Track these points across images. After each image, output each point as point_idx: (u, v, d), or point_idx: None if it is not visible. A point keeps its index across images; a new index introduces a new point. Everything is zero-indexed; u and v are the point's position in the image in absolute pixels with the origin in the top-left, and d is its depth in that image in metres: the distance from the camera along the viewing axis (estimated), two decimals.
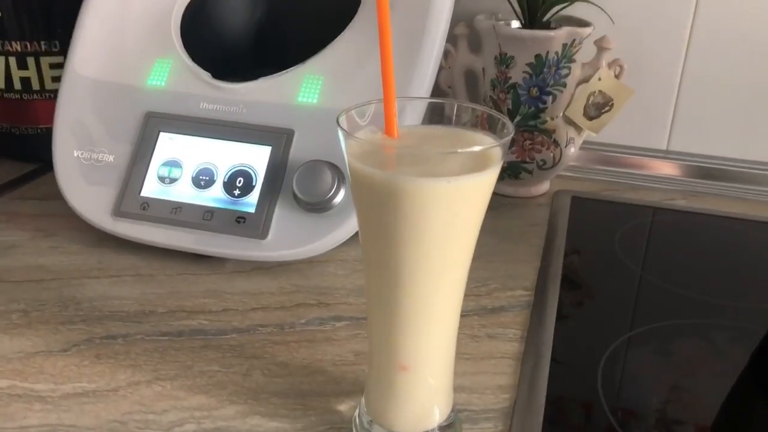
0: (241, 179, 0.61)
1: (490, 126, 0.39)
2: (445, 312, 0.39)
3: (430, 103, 0.42)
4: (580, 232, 0.73)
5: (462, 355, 0.52)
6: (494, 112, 0.39)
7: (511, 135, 0.36)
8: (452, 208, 0.35)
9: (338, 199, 0.59)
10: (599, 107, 0.75)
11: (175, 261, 0.63)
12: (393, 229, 0.36)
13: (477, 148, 0.35)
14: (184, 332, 0.54)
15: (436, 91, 0.74)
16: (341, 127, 0.36)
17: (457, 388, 0.47)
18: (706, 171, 0.84)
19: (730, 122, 0.84)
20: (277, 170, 0.61)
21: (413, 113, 0.46)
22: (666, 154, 0.86)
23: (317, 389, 0.49)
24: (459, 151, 0.37)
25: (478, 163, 0.35)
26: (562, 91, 0.74)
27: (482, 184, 0.36)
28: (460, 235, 0.37)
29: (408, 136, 0.39)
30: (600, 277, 0.66)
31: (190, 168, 0.63)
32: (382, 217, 0.36)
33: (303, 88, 0.63)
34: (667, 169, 0.85)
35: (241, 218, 0.60)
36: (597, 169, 0.86)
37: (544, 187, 0.81)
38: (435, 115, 0.41)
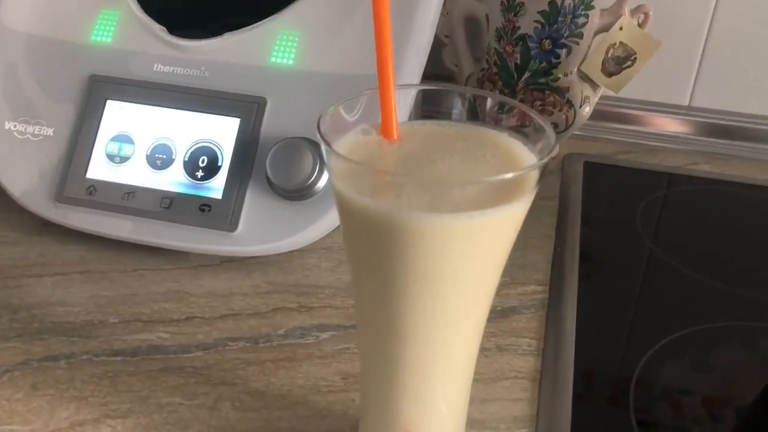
0: (205, 158, 0.52)
1: (519, 124, 0.30)
2: (458, 367, 0.31)
3: (437, 91, 0.32)
4: (597, 205, 0.64)
5: None
6: (525, 108, 0.29)
7: (554, 149, 0.27)
8: (471, 249, 0.26)
9: (320, 184, 0.50)
10: (620, 61, 0.65)
11: (130, 253, 0.54)
12: (395, 274, 0.27)
13: (510, 175, 0.26)
14: (139, 350, 0.46)
15: (434, 43, 0.64)
16: (322, 137, 0.27)
17: (467, 422, 0.40)
18: (732, 130, 0.75)
19: (761, 76, 0.74)
20: (246, 148, 0.51)
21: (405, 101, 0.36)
22: (688, 111, 0.76)
23: (298, 427, 0.41)
24: (488, 180, 0.27)
25: (508, 189, 0.26)
26: (578, 43, 0.64)
27: (513, 218, 0.27)
28: (480, 279, 0.28)
29: (409, 139, 0.30)
30: (624, 266, 0.57)
31: (143, 144, 0.53)
32: (381, 260, 0.27)
33: (276, 47, 0.53)
34: (688, 128, 0.76)
35: (205, 206, 0.51)
36: (610, 128, 0.77)
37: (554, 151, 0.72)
38: (444, 106, 0.32)
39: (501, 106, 0.30)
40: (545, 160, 0.26)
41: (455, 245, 0.26)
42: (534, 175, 0.27)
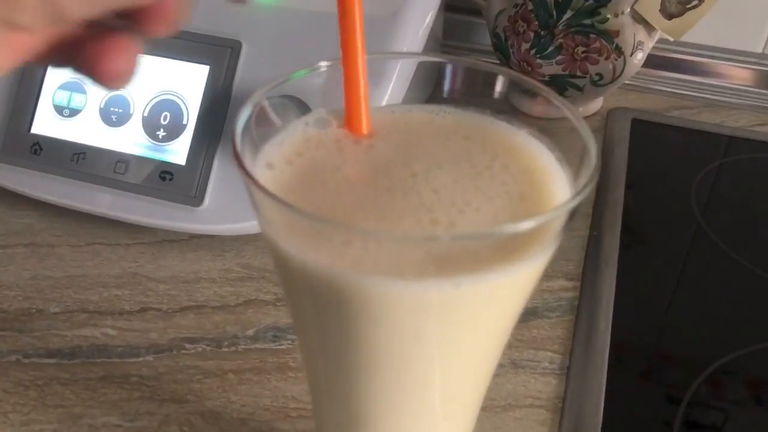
0: (167, 115, 0.43)
1: (543, 115, 0.20)
2: None
3: (430, 63, 0.23)
4: (645, 177, 0.54)
5: None
6: (557, 97, 0.20)
7: (596, 176, 0.17)
8: (465, 325, 0.17)
9: None
10: (684, 1, 0.53)
11: (84, 223, 0.46)
12: (353, 355, 0.18)
13: (527, 224, 0.16)
14: (79, 350, 0.38)
15: None
16: (237, 153, 0.18)
17: None
18: None
19: None
20: (216, 103, 0.42)
21: (400, 78, 0.26)
22: (760, 60, 0.64)
23: None
24: (490, 233, 0.17)
25: (519, 242, 0.17)
26: None
27: (524, 281, 0.17)
28: (474, 359, 0.19)
29: (385, 136, 0.20)
30: (675, 255, 0.48)
31: (97, 95, 0.44)
32: (334, 337, 0.18)
33: None
34: (760, 80, 0.64)
35: (166, 173, 0.42)
36: (664, 78, 0.65)
37: (596, 104, 0.61)
38: (433, 82, 0.22)
39: (523, 91, 0.20)
40: (582, 196, 0.17)
41: (437, 322, 0.17)
42: (562, 218, 0.17)
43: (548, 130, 0.21)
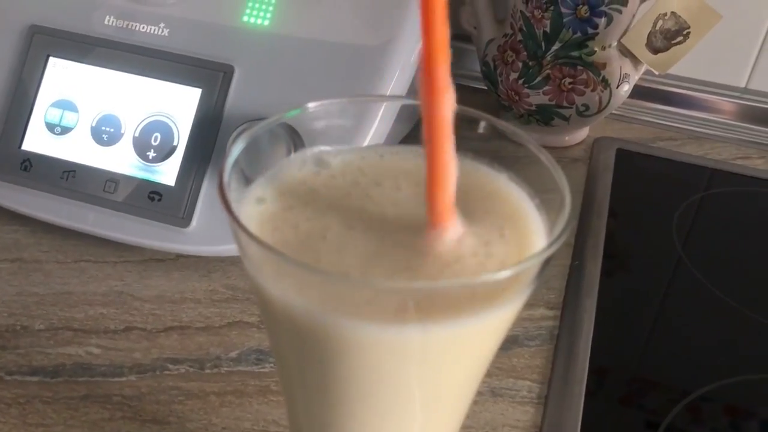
0: (158, 136, 0.43)
1: (518, 162, 0.21)
2: None
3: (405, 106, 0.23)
4: (627, 208, 0.55)
5: None
6: (535, 145, 0.20)
7: (571, 225, 0.18)
8: (442, 365, 0.18)
9: None
10: (669, 36, 0.54)
11: (72, 240, 0.46)
12: (331, 390, 0.19)
13: (505, 273, 0.17)
14: (62, 368, 0.38)
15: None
16: (223, 192, 0.18)
17: None
18: None
19: None
20: (207, 126, 0.43)
21: (384, 118, 0.27)
22: (743, 94, 0.66)
23: None
24: (459, 285, 0.18)
25: (493, 289, 0.17)
26: (620, 11, 0.53)
27: (497, 326, 0.18)
28: (448, 399, 0.20)
29: (348, 177, 0.21)
30: (657, 287, 0.48)
31: (89, 114, 0.44)
32: (313, 372, 0.19)
33: (250, 4, 0.43)
34: (743, 114, 0.65)
35: (155, 193, 0.43)
36: (650, 109, 0.67)
37: (582, 134, 0.62)
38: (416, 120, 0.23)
39: (498, 136, 0.21)
40: (556, 246, 0.17)
41: (413, 364, 0.17)
42: (536, 265, 0.18)
43: (528, 176, 0.21)
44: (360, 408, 0.19)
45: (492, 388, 0.39)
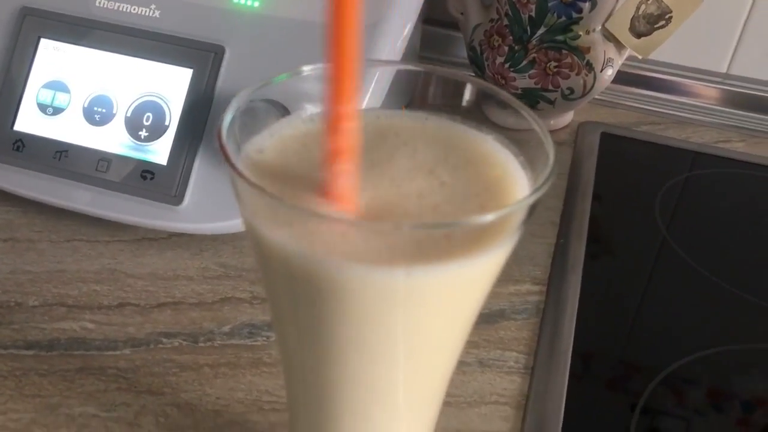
0: (150, 116, 0.44)
1: (504, 120, 0.22)
2: None
3: (401, 72, 0.24)
4: (612, 189, 0.56)
5: None
6: (519, 104, 0.21)
7: (553, 174, 0.19)
8: (427, 311, 0.19)
9: None
10: (652, 20, 0.56)
11: (65, 220, 0.47)
12: (323, 336, 0.19)
13: (489, 217, 0.18)
14: (57, 342, 0.39)
15: None
16: (221, 143, 0.19)
17: None
18: None
19: None
20: (198, 105, 0.43)
21: (378, 85, 0.27)
22: (724, 80, 0.67)
23: None
24: (445, 225, 0.19)
25: (478, 235, 0.18)
26: None
27: (482, 272, 0.19)
28: (440, 342, 0.20)
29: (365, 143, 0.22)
30: (638, 264, 0.50)
31: (80, 94, 0.45)
32: (306, 317, 0.19)
33: None
34: (724, 99, 0.67)
35: (147, 172, 0.43)
36: (634, 94, 0.68)
37: (567, 118, 0.63)
38: (411, 91, 0.24)
39: (496, 102, 0.22)
40: (539, 193, 0.18)
41: (399, 308, 0.18)
42: (521, 213, 0.19)
43: (514, 137, 0.22)
44: (350, 353, 0.19)
45: (480, 359, 0.40)
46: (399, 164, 0.21)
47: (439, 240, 0.17)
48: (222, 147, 0.19)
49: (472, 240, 0.18)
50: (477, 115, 0.23)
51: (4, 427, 0.34)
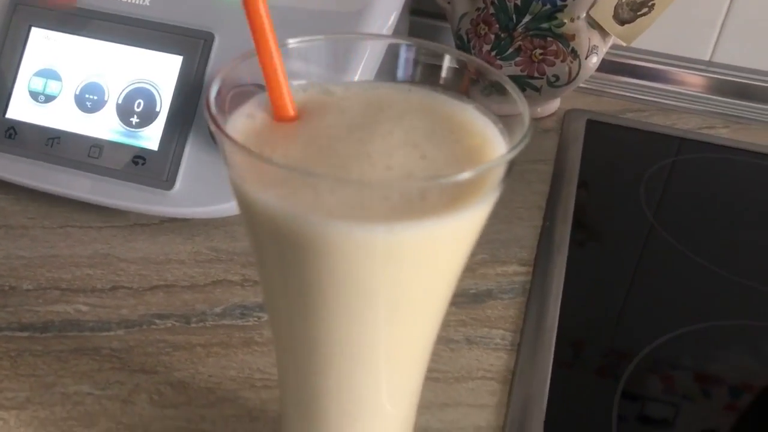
0: (141, 102, 0.44)
1: (484, 90, 0.23)
2: (393, 399, 0.25)
3: (389, 46, 0.25)
4: (596, 172, 0.57)
5: (429, 373, 0.38)
6: (497, 74, 0.22)
7: (528, 136, 0.20)
8: (404, 270, 0.19)
9: None
10: (635, 7, 0.56)
11: (58, 207, 0.47)
12: (310, 292, 0.20)
13: (465, 175, 0.18)
14: (52, 324, 0.40)
15: None
16: (207, 107, 0.20)
17: (419, 430, 0.34)
18: (755, 91, 0.67)
19: None
20: (189, 92, 0.44)
21: (370, 60, 0.28)
22: (708, 67, 0.68)
23: (223, 430, 0.35)
24: (425, 179, 0.20)
25: (460, 191, 0.19)
26: None
27: (463, 230, 0.20)
28: (422, 302, 0.21)
29: (338, 107, 0.22)
30: (621, 246, 0.50)
31: (72, 82, 0.45)
32: (292, 273, 0.20)
33: None
34: (708, 86, 0.68)
35: (139, 158, 0.44)
36: (619, 82, 0.69)
37: (553, 105, 0.64)
38: (398, 65, 0.25)
39: (463, 66, 0.23)
40: (516, 151, 0.19)
41: (381, 264, 0.19)
42: (498, 172, 0.19)
43: (492, 107, 0.23)
44: (334, 313, 0.20)
45: (467, 337, 0.41)
46: (388, 140, 0.21)
47: (418, 198, 0.18)
48: (209, 109, 0.20)
49: (451, 198, 0.18)
50: (457, 84, 0.23)
51: (0, 406, 0.35)
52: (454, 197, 0.18)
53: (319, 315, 0.20)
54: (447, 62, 0.23)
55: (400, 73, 0.25)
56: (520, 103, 0.21)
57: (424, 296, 0.21)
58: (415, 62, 0.25)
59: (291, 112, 0.21)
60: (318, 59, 0.25)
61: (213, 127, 0.19)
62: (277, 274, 0.21)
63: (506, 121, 0.22)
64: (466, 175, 0.18)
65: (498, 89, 0.21)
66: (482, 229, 0.21)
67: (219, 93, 0.21)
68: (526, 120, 0.20)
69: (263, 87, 0.26)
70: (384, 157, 0.20)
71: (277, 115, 0.21)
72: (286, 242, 0.19)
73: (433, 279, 0.21)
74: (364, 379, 0.23)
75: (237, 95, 0.24)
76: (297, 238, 0.19)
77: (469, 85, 0.22)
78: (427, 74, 0.24)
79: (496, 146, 0.22)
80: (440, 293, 0.21)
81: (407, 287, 0.20)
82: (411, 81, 0.25)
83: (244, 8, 0.21)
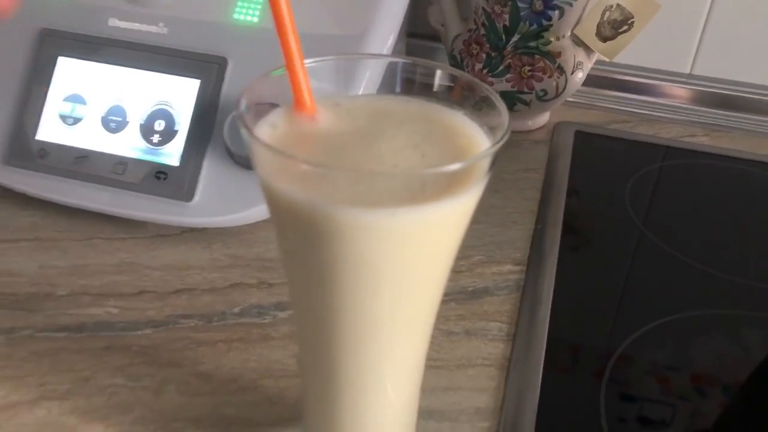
0: (162, 122, 0.48)
1: (471, 99, 0.27)
2: (400, 372, 0.28)
3: (389, 64, 0.29)
4: (585, 179, 0.61)
5: (432, 361, 0.42)
6: (481, 85, 0.26)
7: (507, 134, 0.23)
8: (406, 249, 0.23)
9: None
10: (616, 26, 0.61)
11: (84, 220, 0.51)
12: (325, 271, 0.24)
13: (454, 167, 0.22)
14: (85, 326, 0.43)
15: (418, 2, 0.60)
16: (240, 114, 0.24)
17: (424, 413, 0.37)
18: (734, 101, 0.71)
19: (766, 45, 0.70)
20: (206, 112, 0.48)
21: (372, 76, 0.32)
22: (688, 80, 0.72)
23: (246, 414, 0.38)
24: (420, 172, 0.24)
25: (453, 180, 0.23)
26: (571, 5, 0.60)
27: (456, 214, 0.23)
28: (420, 280, 0.25)
29: (348, 115, 0.26)
30: (608, 246, 0.54)
31: (97, 105, 0.49)
32: (310, 254, 0.24)
33: (240, 3, 0.49)
34: (688, 97, 0.72)
35: (161, 173, 0.48)
36: (605, 96, 0.73)
37: (543, 119, 0.68)
38: (396, 80, 0.28)
39: (453, 80, 0.27)
40: (497, 147, 0.23)
41: (387, 245, 0.23)
42: (484, 164, 0.23)
43: (479, 112, 0.27)
44: (348, 287, 0.24)
45: (466, 329, 0.44)
46: (392, 142, 0.25)
47: (418, 187, 0.22)
48: (242, 119, 0.24)
49: (445, 186, 0.22)
50: (447, 95, 0.27)
51: (44, 397, 0.38)
52: (448, 185, 0.22)
53: (335, 289, 0.24)
54: (438, 76, 0.27)
55: (399, 86, 0.29)
56: (500, 108, 0.25)
57: (424, 273, 0.25)
58: (411, 77, 0.29)
59: (307, 98, 0.25)
60: (328, 77, 0.29)
61: (246, 133, 0.23)
62: (299, 255, 0.25)
63: (490, 125, 0.26)
64: (456, 166, 0.22)
65: (486, 103, 0.25)
66: (473, 214, 0.25)
67: (246, 107, 0.25)
68: (506, 122, 0.24)
69: (276, 105, 0.30)
70: (390, 157, 0.24)
71: (296, 101, 0.25)
72: (306, 227, 0.23)
73: (432, 257, 0.24)
74: (373, 347, 0.27)
75: (258, 110, 0.28)
76: (316, 223, 0.22)
77: (459, 95, 0.26)
78: (421, 87, 0.28)
79: (481, 144, 0.26)
80: (438, 270, 0.25)
81: (409, 264, 0.24)
82: (408, 93, 0.29)
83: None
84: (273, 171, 0.23)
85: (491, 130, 0.26)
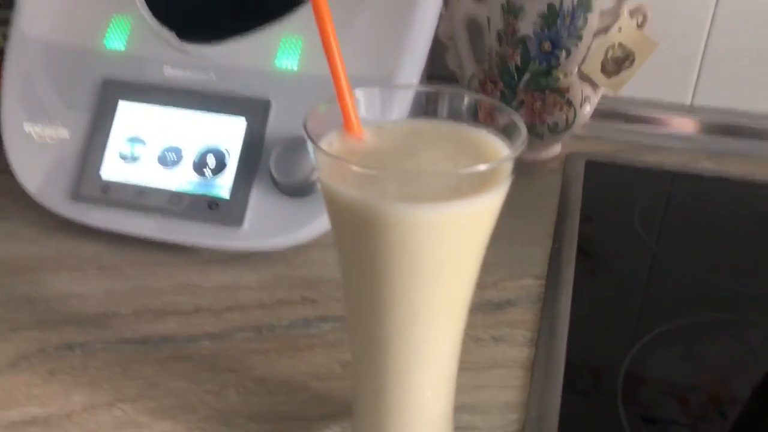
0: (213, 158, 0.54)
1: (493, 118, 0.32)
2: (440, 357, 0.33)
3: (418, 92, 0.34)
4: (596, 205, 0.65)
5: (463, 363, 0.46)
6: (500, 105, 0.31)
7: (525, 142, 0.29)
8: (445, 240, 0.28)
9: None
10: (619, 62, 0.66)
11: (142, 249, 0.56)
12: (375, 261, 0.29)
13: (482, 167, 0.27)
14: (150, 339, 0.48)
15: (435, 44, 0.66)
16: (307, 133, 0.29)
17: (458, 407, 0.41)
18: (734, 128, 0.76)
19: (763, 74, 0.75)
20: (252, 147, 0.54)
21: (401, 104, 0.37)
22: (690, 110, 0.77)
23: (298, 411, 0.43)
24: (461, 171, 0.29)
25: (482, 180, 0.28)
26: (577, 45, 0.65)
27: (486, 209, 0.28)
28: (457, 269, 0.30)
29: (389, 136, 0.32)
30: (620, 263, 0.59)
31: (154, 145, 0.55)
32: (362, 247, 0.29)
33: (280, 51, 0.55)
34: (691, 126, 0.77)
35: (213, 204, 0.53)
36: (613, 127, 0.78)
37: (555, 150, 0.73)
38: (426, 105, 0.34)
39: (478, 105, 0.32)
40: (517, 152, 0.28)
41: (427, 236, 0.28)
42: (507, 167, 0.28)
43: (500, 128, 0.32)
44: (394, 274, 0.28)
45: (493, 336, 0.49)
46: (428, 154, 0.31)
47: (454, 187, 0.27)
48: (308, 134, 0.29)
49: (476, 185, 0.27)
50: (473, 116, 0.33)
51: (118, 399, 0.43)
52: (479, 184, 0.27)
53: (382, 277, 0.29)
54: (465, 101, 0.32)
55: (431, 110, 0.34)
56: (518, 123, 0.30)
57: (459, 262, 0.29)
58: (440, 103, 0.34)
59: (355, 121, 0.31)
60: (371, 105, 0.34)
61: (312, 146, 0.28)
62: (352, 248, 0.30)
63: (510, 138, 0.31)
64: (485, 167, 0.27)
65: (506, 120, 0.30)
66: (500, 210, 0.30)
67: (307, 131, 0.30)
68: (523, 134, 0.29)
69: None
70: (429, 165, 0.29)
71: (346, 125, 0.30)
72: (359, 222, 0.28)
73: (466, 247, 0.29)
74: (415, 328, 0.31)
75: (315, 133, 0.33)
76: (368, 219, 0.27)
77: (484, 115, 0.31)
78: (449, 110, 0.34)
79: (504, 153, 0.31)
80: (471, 260, 0.30)
81: (446, 253, 0.29)
82: (438, 116, 0.34)
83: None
84: (332, 174, 0.28)
85: (511, 142, 0.31)
